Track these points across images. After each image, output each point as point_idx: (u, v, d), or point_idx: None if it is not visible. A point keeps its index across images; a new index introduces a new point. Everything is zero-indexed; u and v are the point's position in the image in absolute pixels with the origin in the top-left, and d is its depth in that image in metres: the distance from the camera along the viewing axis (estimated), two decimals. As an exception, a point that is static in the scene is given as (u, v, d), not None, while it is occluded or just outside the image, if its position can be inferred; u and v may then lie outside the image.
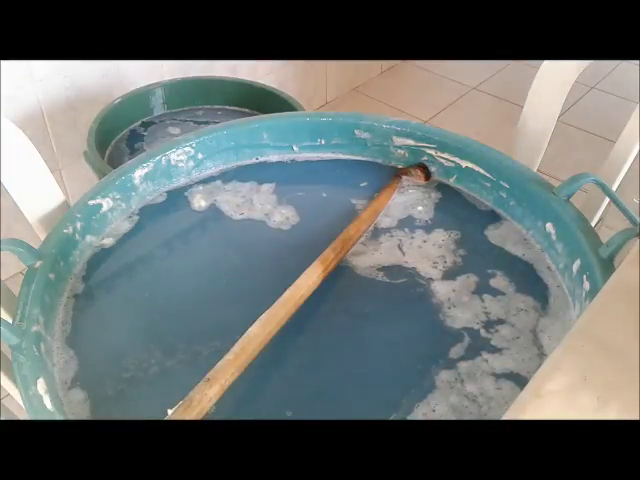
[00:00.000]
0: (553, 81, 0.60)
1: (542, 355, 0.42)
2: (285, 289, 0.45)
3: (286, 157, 0.62)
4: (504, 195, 0.54)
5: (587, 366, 0.29)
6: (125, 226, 0.54)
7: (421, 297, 0.47)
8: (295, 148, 0.62)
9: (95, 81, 0.99)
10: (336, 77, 1.61)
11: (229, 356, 0.38)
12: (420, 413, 0.39)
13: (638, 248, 0.37)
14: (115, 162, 0.80)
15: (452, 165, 0.58)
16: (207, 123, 0.88)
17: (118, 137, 0.84)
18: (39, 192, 0.52)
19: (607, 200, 0.63)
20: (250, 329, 0.41)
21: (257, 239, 0.54)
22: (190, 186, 0.58)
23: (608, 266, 0.43)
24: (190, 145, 0.57)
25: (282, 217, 0.55)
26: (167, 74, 1.11)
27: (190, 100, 0.90)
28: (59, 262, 0.47)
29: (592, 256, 0.44)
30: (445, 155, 0.58)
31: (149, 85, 0.87)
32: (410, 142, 0.59)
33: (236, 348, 0.39)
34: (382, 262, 0.50)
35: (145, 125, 0.87)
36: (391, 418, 0.39)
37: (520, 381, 0.41)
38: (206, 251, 0.53)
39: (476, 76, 1.75)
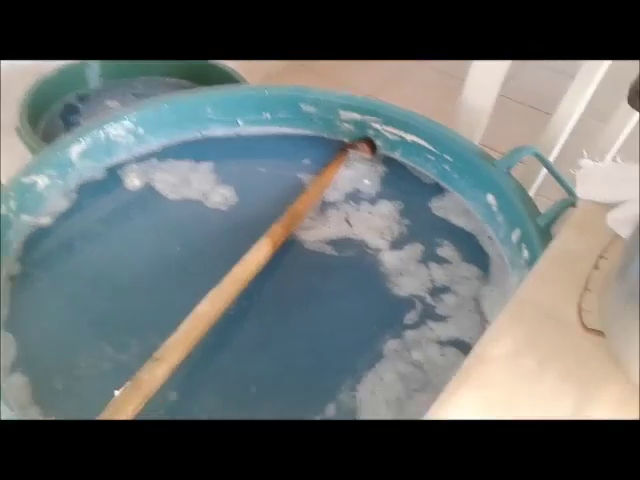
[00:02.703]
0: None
1: (484, 322, 0.44)
2: (228, 270, 0.44)
3: (231, 131, 0.61)
4: (447, 168, 0.55)
5: (528, 332, 0.31)
6: (62, 204, 0.51)
7: (370, 267, 0.48)
8: (240, 122, 0.61)
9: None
10: (279, 49, 1.59)
11: (178, 334, 0.38)
12: (369, 382, 0.40)
13: (575, 216, 0.39)
14: (50, 138, 0.75)
15: (397, 139, 0.58)
16: (146, 96, 0.84)
17: (52, 111, 0.80)
18: None
19: (544, 171, 0.65)
20: (198, 306, 0.40)
21: (194, 220, 0.52)
22: (126, 163, 0.56)
23: (546, 235, 0.45)
24: (129, 119, 0.55)
25: (220, 197, 0.54)
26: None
27: (128, 71, 0.86)
28: (-8, 241, 0.44)
29: (530, 225, 0.46)
30: (390, 129, 0.58)
31: (87, 58, 0.83)
32: (356, 116, 0.59)
33: (185, 326, 0.39)
34: (330, 235, 0.51)
35: (81, 98, 0.83)
36: (342, 387, 0.39)
37: (464, 348, 0.42)
38: (144, 234, 0.51)
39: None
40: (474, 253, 0.49)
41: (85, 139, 0.53)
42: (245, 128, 0.61)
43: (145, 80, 0.87)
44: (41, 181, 0.50)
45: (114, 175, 0.55)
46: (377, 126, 0.58)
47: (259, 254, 0.46)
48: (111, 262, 0.48)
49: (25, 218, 0.48)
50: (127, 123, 0.55)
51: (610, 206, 0.37)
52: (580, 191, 0.40)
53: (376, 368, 0.40)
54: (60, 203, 0.51)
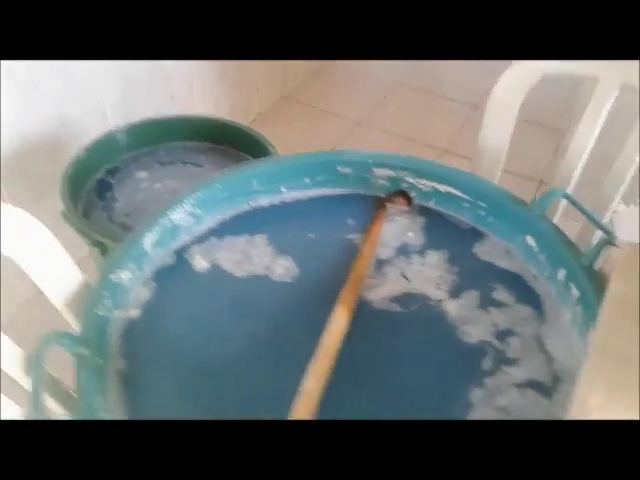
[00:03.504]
0: (509, 98, 0.67)
1: (550, 360, 0.49)
2: (313, 341, 0.49)
3: (276, 199, 0.66)
4: (482, 213, 0.61)
5: (614, 382, 0.36)
6: (144, 294, 0.55)
7: (437, 319, 0.53)
8: (283, 189, 0.66)
9: (37, 129, 0.97)
10: (265, 86, 1.64)
11: (292, 415, 0.43)
12: (465, 430, 0.44)
13: (623, 259, 0.44)
14: (91, 217, 0.80)
15: (430, 190, 0.63)
16: (172, 163, 0.89)
17: (86, 189, 0.84)
18: (61, 277, 0.53)
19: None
20: (305, 385, 0.45)
21: (266, 295, 0.56)
22: (189, 245, 0.60)
23: (591, 273, 0.50)
24: (188, 202, 0.60)
25: (282, 269, 0.58)
26: (111, 118, 1.10)
27: (151, 141, 0.91)
28: (101, 344, 0.48)
29: (575, 265, 0.52)
30: (423, 181, 0.63)
31: (110, 131, 0.87)
32: (389, 172, 0.64)
33: (298, 406, 0.43)
34: (393, 292, 0.56)
35: (110, 172, 0.87)
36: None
37: (539, 389, 0.47)
38: (224, 314, 0.55)
39: (396, 70, 1.83)
40: (525, 293, 0.55)
41: (155, 228, 0.57)
42: (288, 194, 0.66)
43: (166, 147, 0.91)
44: (124, 275, 0.54)
45: (182, 258, 0.59)
46: (410, 179, 0.64)
47: (340, 323, 0.50)
48: (203, 346, 0.52)
49: (118, 313, 0.52)
50: (187, 206, 0.60)
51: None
52: (621, 234, 0.45)
53: (469, 418, 0.45)
54: (143, 293, 0.55)
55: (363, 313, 0.53)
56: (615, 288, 0.42)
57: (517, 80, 0.66)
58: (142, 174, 0.86)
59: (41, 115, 0.97)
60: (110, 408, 0.45)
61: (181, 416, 0.46)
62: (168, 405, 0.48)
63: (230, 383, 0.49)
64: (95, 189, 0.84)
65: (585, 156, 0.67)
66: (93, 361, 0.46)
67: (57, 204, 0.77)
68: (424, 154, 1.53)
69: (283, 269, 0.58)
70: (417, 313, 0.54)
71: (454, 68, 1.75)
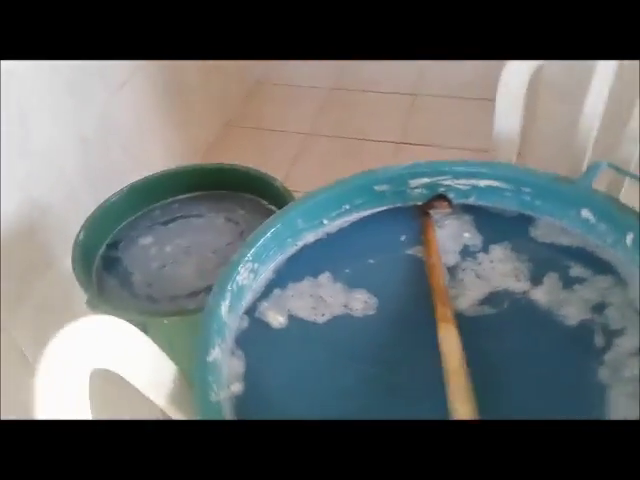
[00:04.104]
0: (516, 85, 0.69)
1: (650, 321, 0.51)
2: (430, 367, 0.49)
3: (320, 233, 0.64)
4: (528, 198, 0.62)
5: None
6: (237, 366, 0.53)
7: (532, 310, 0.54)
8: (325, 221, 0.64)
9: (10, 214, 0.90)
10: (207, 117, 1.60)
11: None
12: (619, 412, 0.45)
13: None
14: (111, 297, 0.75)
15: (469, 187, 0.64)
16: (172, 220, 0.85)
17: (95, 270, 0.79)
18: (163, 375, 0.49)
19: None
20: (454, 414, 0.44)
21: (358, 334, 0.54)
22: (256, 303, 0.58)
23: (662, 232, 0.53)
24: (248, 259, 0.57)
25: (360, 303, 0.57)
26: (79, 188, 1.04)
27: (143, 204, 0.86)
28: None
29: (643, 226, 0.54)
30: (461, 181, 0.64)
31: (101, 205, 0.82)
32: (426, 180, 0.65)
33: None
34: (477, 296, 0.56)
35: (112, 247, 0.82)
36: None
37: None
38: (325, 367, 0.53)
39: (328, 77, 1.84)
40: (598, 264, 0.57)
41: (227, 295, 0.54)
42: (330, 225, 0.65)
43: (160, 206, 0.88)
44: (215, 353, 0.51)
45: (254, 319, 0.57)
46: (447, 182, 0.64)
47: (452, 340, 0.50)
48: (322, 403, 0.50)
49: (223, 394, 0.49)
50: (249, 264, 0.57)
51: None
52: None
53: (607, 400, 0.46)
54: (236, 365, 0.52)
55: (460, 324, 0.53)
56: None
57: (519, 70, 0.68)
58: (147, 240, 0.82)
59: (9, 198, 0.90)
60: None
61: None
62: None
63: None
64: (103, 268, 0.79)
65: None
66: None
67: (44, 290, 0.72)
68: (382, 150, 1.55)
69: (362, 303, 0.57)
70: (510, 310, 0.54)
71: (384, 64, 1.78)
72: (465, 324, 0.53)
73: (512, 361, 0.51)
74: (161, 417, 0.53)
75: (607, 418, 0.45)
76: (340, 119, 1.69)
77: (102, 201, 0.83)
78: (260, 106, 1.77)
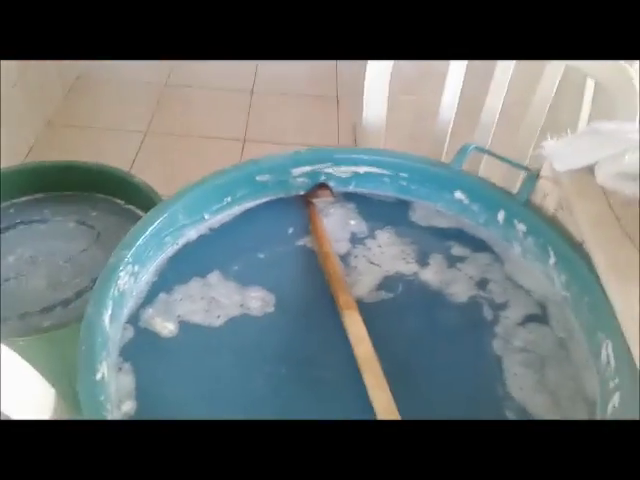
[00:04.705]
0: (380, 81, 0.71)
1: (528, 292, 0.55)
2: (339, 359, 0.48)
3: (202, 228, 0.59)
4: (404, 183, 0.64)
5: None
6: (126, 382, 0.46)
7: (423, 291, 0.55)
8: (207, 216, 0.60)
9: None
10: (26, 116, 1.42)
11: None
12: (514, 384, 0.48)
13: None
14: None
15: (349, 175, 0.64)
16: (12, 227, 0.72)
17: None
18: (39, 406, 0.40)
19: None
20: (375, 402, 0.43)
21: (259, 333, 0.51)
22: (139, 310, 0.52)
23: (529, 207, 0.58)
24: (129, 261, 0.51)
25: (258, 301, 0.53)
26: None
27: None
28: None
29: (513, 204, 0.58)
30: (342, 168, 0.64)
31: None
32: (307, 168, 0.63)
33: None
34: (373, 282, 0.56)
35: None
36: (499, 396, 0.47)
37: (537, 319, 0.52)
38: (229, 370, 0.49)
39: (158, 72, 1.74)
40: (475, 243, 0.60)
41: (108, 303, 0.47)
42: (211, 220, 0.60)
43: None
44: (102, 370, 0.44)
45: (140, 328, 0.50)
46: (329, 170, 0.64)
47: (358, 326, 0.49)
48: (228, 409, 0.46)
49: (115, 415, 0.43)
50: (128, 267, 0.51)
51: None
52: (558, 165, 0.53)
53: (504, 370, 0.49)
54: (125, 381, 0.46)
55: (361, 311, 0.53)
56: (588, 209, 0.50)
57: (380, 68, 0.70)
58: (-21, 253, 0.69)
59: None
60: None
61: None
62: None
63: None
64: None
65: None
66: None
67: None
68: (228, 148, 1.51)
69: (259, 301, 0.54)
70: (405, 293, 0.55)
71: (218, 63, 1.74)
72: (365, 310, 0.53)
73: (415, 342, 0.51)
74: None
75: (506, 388, 0.48)
76: (179, 116, 1.61)
77: None
78: (85, 103, 1.61)
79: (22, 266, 0.68)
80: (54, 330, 0.60)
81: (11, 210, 0.75)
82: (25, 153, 1.41)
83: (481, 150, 0.63)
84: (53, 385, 0.46)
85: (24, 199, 0.76)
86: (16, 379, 0.39)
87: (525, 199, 0.58)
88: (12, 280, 0.66)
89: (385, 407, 0.43)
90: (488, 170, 0.78)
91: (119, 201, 0.78)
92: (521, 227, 0.58)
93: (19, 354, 0.45)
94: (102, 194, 0.78)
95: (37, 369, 0.46)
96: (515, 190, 0.60)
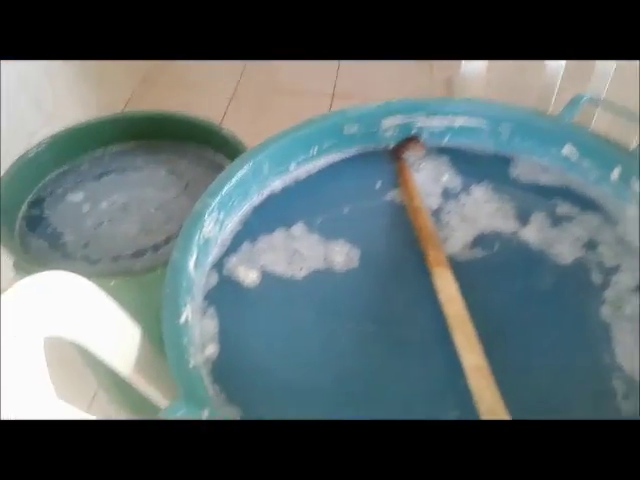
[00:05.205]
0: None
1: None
2: (426, 320, 0.45)
3: (287, 179, 0.58)
4: (505, 136, 0.59)
5: None
6: (210, 326, 0.46)
7: (525, 250, 0.51)
8: (292, 166, 0.58)
9: None
10: (121, 70, 1.46)
11: (483, 391, 0.38)
12: (623, 348, 0.44)
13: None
14: (41, 261, 0.65)
15: (443, 127, 0.60)
16: (105, 174, 0.75)
17: (15, 231, 0.68)
18: (124, 344, 0.41)
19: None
20: (465, 363, 0.40)
21: (343, 289, 0.49)
22: (224, 258, 0.51)
23: (650, 163, 0.51)
24: (214, 209, 0.50)
25: (342, 255, 0.51)
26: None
27: (66, 157, 0.75)
28: (205, 398, 0.39)
29: (632, 161, 0.52)
30: (436, 119, 0.60)
31: (16, 161, 0.70)
32: (398, 120, 0.59)
33: (477, 386, 0.39)
34: (466, 239, 0.52)
35: (35, 205, 0.71)
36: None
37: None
38: (314, 327, 0.47)
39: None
40: (584, 202, 0.54)
41: (194, 249, 0.47)
42: (297, 171, 0.58)
43: (88, 159, 0.77)
44: (186, 313, 0.44)
45: (224, 275, 0.50)
46: (421, 123, 0.60)
47: (450, 285, 0.46)
48: (317, 372, 0.44)
49: (199, 357, 0.43)
50: (213, 214, 0.50)
51: None
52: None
53: (612, 338, 0.44)
54: (208, 325, 0.46)
55: (453, 269, 0.49)
56: None
57: None
58: (76, 196, 0.72)
59: None
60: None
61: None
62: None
63: (359, 395, 0.43)
64: (27, 229, 0.68)
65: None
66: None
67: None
68: (318, 102, 1.49)
69: (343, 255, 0.52)
70: (502, 252, 0.51)
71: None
72: (458, 269, 0.49)
73: (511, 304, 0.48)
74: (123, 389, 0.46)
75: (614, 357, 0.43)
76: (268, 73, 1.60)
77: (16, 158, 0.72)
78: (178, 62, 1.63)
79: (115, 212, 0.70)
80: (144, 273, 0.61)
81: (105, 158, 0.77)
82: (121, 108, 1.46)
83: (596, 102, 0.56)
84: (141, 327, 0.47)
85: (117, 148, 0.78)
86: (104, 318, 0.40)
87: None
88: (106, 224, 0.68)
89: (476, 367, 0.40)
90: (600, 128, 0.70)
91: (208, 152, 0.78)
92: (637, 185, 0.52)
93: (109, 294, 0.46)
94: (191, 144, 0.79)
95: (126, 310, 0.47)
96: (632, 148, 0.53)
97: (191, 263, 0.46)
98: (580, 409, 0.41)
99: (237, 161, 0.54)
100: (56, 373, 0.60)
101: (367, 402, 0.43)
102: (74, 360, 0.60)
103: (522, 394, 0.41)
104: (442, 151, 0.60)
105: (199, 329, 0.45)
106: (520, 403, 0.39)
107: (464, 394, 0.40)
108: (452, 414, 0.41)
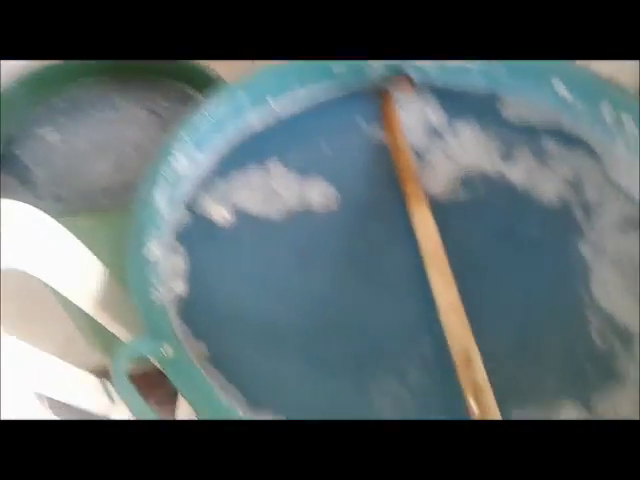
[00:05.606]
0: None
1: (628, 194, 0.47)
2: (405, 257, 0.44)
3: (268, 117, 0.55)
4: (498, 75, 0.56)
5: None
6: (179, 263, 0.45)
7: (508, 189, 0.49)
8: (272, 102, 0.55)
9: None
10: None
11: (452, 332, 0.37)
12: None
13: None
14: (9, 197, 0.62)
15: (435, 67, 0.57)
16: (81, 111, 0.72)
17: (-11, 172, 0.66)
18: (87, 280, 0.40)
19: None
20: (439, 299, 0.39)
21: (323, 229, 0.48)
22: (196, 196, 0.49)
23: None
24: (186, 143, 0.48)
25: (320, 195, 0.49)
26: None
27: (45, 91, 0.72)
28: (170, 336, 0.38)
29: (623, 96, 0.49)
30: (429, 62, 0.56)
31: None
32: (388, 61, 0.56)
33: (450, 322, 0.38)
34: (449, 178, 0.50)
35: (7, 144, 0.68)
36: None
37: (634, 223, 0.46)
38: (290, 269, 0.46)
39: None
40: (572, 140, 0.52)
41: (160, 181, 0.45)
42: (279, 108, 0.55)
43: (62, 96, 0.74)
44: (152, 247, 0.42)
45: (196, 213, 0.48)
46: (414, 63, 0.57)
47: (427, 222, 0.44)
48: (295, 314, 0.43)
49: (164, 293, 0.41)
50: (187, 150, 0.48)
51: None
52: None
53: (592, 277, 0.43)
54: (178, 262, 0.44)
55: (435, 209, 0.48)
56: None
57: None
58: (51, 134, 0.69)
59: None
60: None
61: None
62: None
63: (332, 333, 0.42)
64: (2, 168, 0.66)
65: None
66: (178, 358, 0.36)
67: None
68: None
69: (321, 195, 0.50)
70: (485, 191, 0.49)
71: None
72: (440, 209, 0.47)
73: (492, 242, 0.46)
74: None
75: (592, 295, 0.42)
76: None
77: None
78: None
79: (90, 151, 0.67)
80: (114, 211, 0.59)
81: (82, 95, 0.73)
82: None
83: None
84: (109, 265, 0.45)
85: (94, 84, 0.74)
86: (65, 254, 0.38)
87: (638, 89, 0.49)
88: (79, 164, 0.65)
89: (449, 304, 0.38)
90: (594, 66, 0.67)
91: (191, 92, 0.75)
92: (630, 123, 0.49)
93: (76, 233, 0.44)
94: (174, 83, 0.75)
95: (95, 249, 0.46)
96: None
97: (159, 197, 0.45)
98: (554, 343, 0.40)
99: (213, 95, 0.52)
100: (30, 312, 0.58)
101: (340, 339, 0.42)
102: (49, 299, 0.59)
103: (497, 329, 0.40)
104: (432, 90, 0.58)
105: (169, 266, 0.44)
106: (494, 338, 0.39)
107: (438, 331, 0.39)
108: (426, 350, 0.40)
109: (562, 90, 0.53)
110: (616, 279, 0.42)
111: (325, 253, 0.47)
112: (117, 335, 0.43)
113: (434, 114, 0.55)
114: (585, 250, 0.45)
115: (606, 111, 0.51)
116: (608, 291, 0.42)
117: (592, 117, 0.52)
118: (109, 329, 0.43)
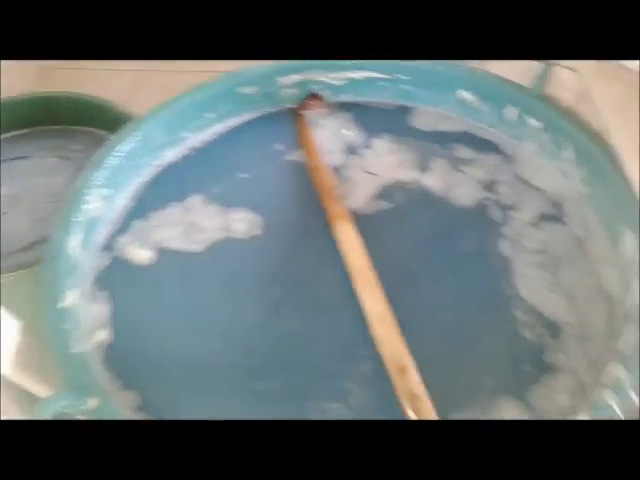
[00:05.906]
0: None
1: (541, 191, 0.49)
2: (334, 275, 0.44)
3: (182, 150, 0.54)
4: (406, 87, 0.57)
5: None
6: (101, 310, 0.43)
7: (424, 196, 0.50)
8: (185, 134, 0.54)
9: None
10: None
11: (384, 340, 0.37)
12: (526, 281, 0.43)
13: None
14: None
15: (344, 82, 0.57)
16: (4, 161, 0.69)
17: None
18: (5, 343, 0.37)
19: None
20: (370, 309, 0.39)
21: (250, 256, 0.47)
22: (114, 238, 0.48)
23: (544, 100, 0.51)
24: (99, 184, 0.46)
25: (243, 223, 0.49)
26: None
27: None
28: (94, 387, 0.36)
29: (526, 98, 0.52)
30: (335, 74, 0.57)
31: None
32: (296, 77, 0.56)
33: (380, 332, 0.37)
34: (370, 192, 0.51)
35: None
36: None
37: (550, 218, 0.47)
38: (220, 300, 0.45)
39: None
40: (482, 144, 0.54)
41: (73, 228, 0.43)
42: (192, 139, 0.55)
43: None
44: (69, 297, 0.40)
45: (116, 258, 0.46)
46: (320, 78, 0.57)
47: (351, 237, 0.44)
48: (227, 347, 0.42)
49: (86, 343, 0.39)
50: (100, 190, 0.46)
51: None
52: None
53: (513, 272, 0.44)
54: (99, 310, 0.42)
55: (359, 223, 0.48)
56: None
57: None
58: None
59: None
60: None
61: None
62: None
63: (269, 364, 0.41)
64: None
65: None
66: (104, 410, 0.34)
67: None
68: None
69: (244, 223, 0.49)
70: (406, 201, 0.50)
71: None
72: (363, 223, 0.48)
73: (417, 250, 0.47)
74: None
75: (515, 289, 0.43)
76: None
77: None
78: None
79: (5, 205, 0.64)
80: (36, 265, 0.56)
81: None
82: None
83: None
84: (30, 322, 0.43)
85: (6, 135, 0.72)
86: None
87: (537, 92, 0.51)
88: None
89: (379, 315, 0.39)
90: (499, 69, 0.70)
91: (102, 133, 0.73)
92: (534, 123, 0.51)
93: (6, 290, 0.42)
94: (86, 127, 0.73)
95: (16, 306, 0.43)
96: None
97: (73, 243, 0.43)
98: (486, 343, 0.41)
99: (122, 132, 0.50)
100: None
101: (278, 369, 0.41)
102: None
103: (430, 334, 0.41)
104: (344, 107, 0.58)
105: (89, 314, 0.42)
106: (428, 343, 0.39)
107: (374, 344, 0.39)
108: (365, 367, 0.40)
109: (467, 96, 0.55)
110: (537, 272, 0.44)
111: (253, 280, 0.46)
112: (38, 395, 0.41)
113: (349, 131, 0.56)
114: (505, 248, 0.46)
115: (511, 113, 0.53)
116: (531, 285, 0.43)
117: (498, 120, 0.54)
118: (29, 389, 0.40)
